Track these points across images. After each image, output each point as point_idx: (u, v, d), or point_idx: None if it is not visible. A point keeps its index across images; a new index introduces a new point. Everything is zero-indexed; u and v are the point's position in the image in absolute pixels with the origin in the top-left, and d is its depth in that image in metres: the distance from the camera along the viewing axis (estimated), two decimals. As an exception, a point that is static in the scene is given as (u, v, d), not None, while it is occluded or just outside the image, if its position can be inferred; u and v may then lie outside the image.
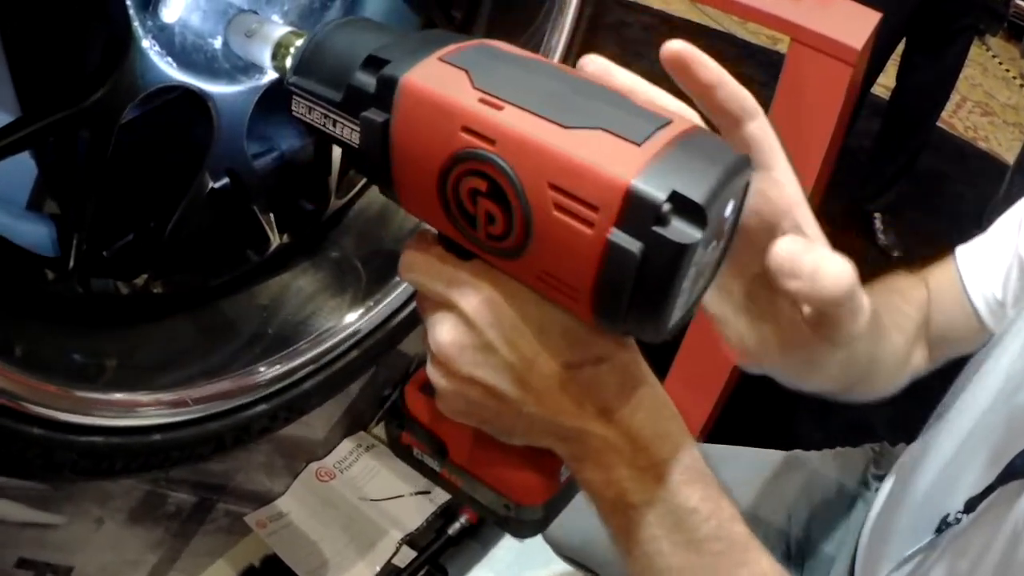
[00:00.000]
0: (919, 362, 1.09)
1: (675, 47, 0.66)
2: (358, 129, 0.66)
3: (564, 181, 0.56)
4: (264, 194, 1.18)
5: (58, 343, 1.00)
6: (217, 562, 1.77)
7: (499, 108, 0.58)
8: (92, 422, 0.93)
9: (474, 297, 0.63)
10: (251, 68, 1.07)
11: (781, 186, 0.69)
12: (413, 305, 1.19)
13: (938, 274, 1.14)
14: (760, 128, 0.68)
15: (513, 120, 0.58)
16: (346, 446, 1.98)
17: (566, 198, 0.56)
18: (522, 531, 0.76)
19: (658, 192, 0.54)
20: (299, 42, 0.85)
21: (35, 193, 1.09)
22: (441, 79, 0.61)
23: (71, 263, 1.00)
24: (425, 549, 1.89)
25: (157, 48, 0.98)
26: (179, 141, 1.12)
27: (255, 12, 1.04)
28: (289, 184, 1.27)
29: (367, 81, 0.65)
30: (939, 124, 4.49)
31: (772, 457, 1.39)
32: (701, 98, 0.67)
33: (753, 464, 1.39)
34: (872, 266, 3.35)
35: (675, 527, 0.66)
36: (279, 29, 0.89)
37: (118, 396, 0.97)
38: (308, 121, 0.71)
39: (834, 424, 2.48)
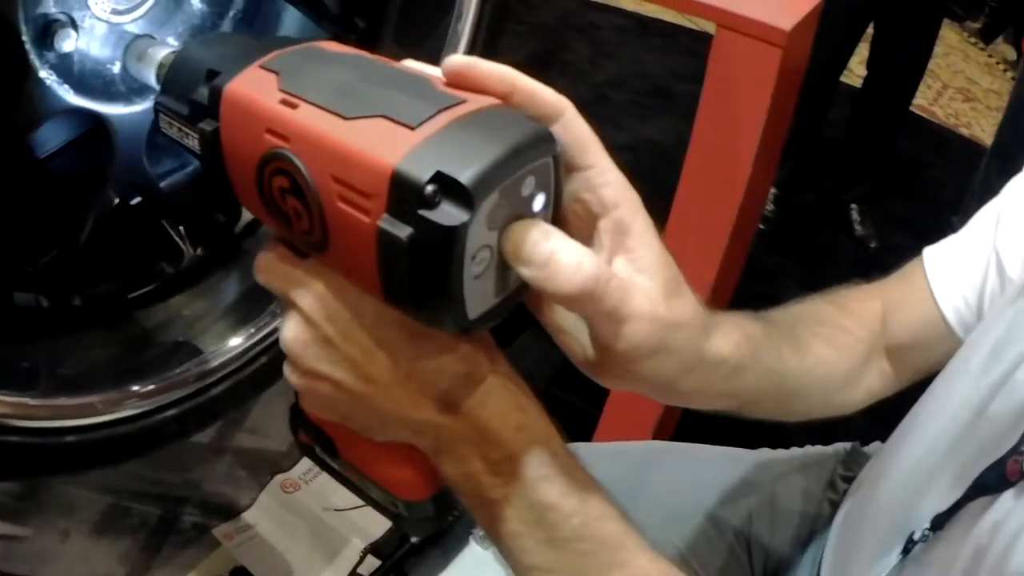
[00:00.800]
0: (879, 380, 1.05)
1: (452, 64, 0.64)
2: (195, 136, 0.68)
3: (342, 172, 0.57)
4: (174, 208, 1.23)
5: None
6: (188, 574, 1.81)
7: (294, 107, 0.60)
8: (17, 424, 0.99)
9: (309, 294, 0.64)
10: (147, 90, 1.12)
11: (596, 187, 0.65)
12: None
13: (900, 282, 1.07)
14: (565, 126, 0.65)
15: (303, 117, 0.59)
16: (310, 458, 2.00)
17: (346, 189, 0.56)
18: (415, 528, 0.77)
19: (421, 174, 0.53)
20: (168, 58, 0.86)
21: None
22: (254, 84, 0.63)
23: None
24: (389, 557, 1.93)
25: (55, 77, 1.04)
26: (84, 161, 1.17)
27: (151, 36, 1.09)
28: (201, 198, 1.31)
29: (202, 93, 0.67)
30: (919, 112, 4.46)
31: (736, 455, 1.34)
32: None
33: (716, 462, 1.33)
34: (848, 259, 3.38)
35: (535, 524, 0.66)
36: (164, 50, 0.92)
37: (36, 401, 1.02)
38: (171, 136, 0.73)
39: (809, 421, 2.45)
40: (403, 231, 0.53)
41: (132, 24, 1.11)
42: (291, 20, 1.34)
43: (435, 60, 1.13)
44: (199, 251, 1.28)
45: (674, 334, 0.68)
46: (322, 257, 0.63)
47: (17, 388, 1.00)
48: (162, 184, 1.23)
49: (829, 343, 0.98)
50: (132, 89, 1.12)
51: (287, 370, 0.68)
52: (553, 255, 0.58)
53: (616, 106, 3.96)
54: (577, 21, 4.82)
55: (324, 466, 0.77)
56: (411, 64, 0.66)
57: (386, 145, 0.55)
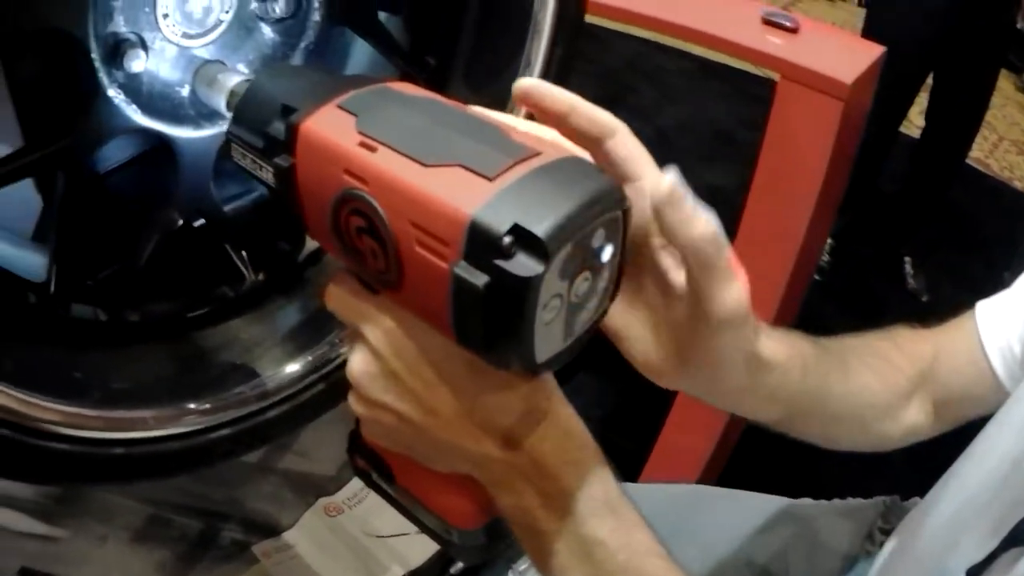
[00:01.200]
0: (921, 418, 1.06)
1: (522, 85, 0.71)
2: (271, 170, 0.71)
3: (420, 218, 0.59)
4: (237, 233, 1.25)
5: (46, 361, 1.07)
6: (225, 589, 1.82)
7: (373, 150, 0.62)
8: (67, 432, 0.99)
9: (378, 328, 0.67)
10: (215, 115, 1.13)
11: (647, 195, 0.70)
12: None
13: (953, 329, 1.09)
14: (620, 143, 0.72)
15: (383, 161, 0.61)
16: (357, 483, 2.00)
17: (424, 234, 0.59)
18: (465, 556, 0.79)
19: (499, 225, 0.55)
20: (240, 87, 0.89)
21: (40, 224, 1.17)
22: (332, 124, 0.66)
23: (51, 289, 1.08)
24: (427, 586, 1.91)
25: (123, 96, 1.05)
26: (149, 180, 1.19)
27: (221, 62, 1.10)
28: (266, 225, 1.33)
29: (279, 128, 0.69)
30: (974, 164, 4.43)
31: (777, 503, 1.36)
32: (560, 129, 0.72)
33: (757, 508, 1.35)
34: (901, 311, 3.37)
35: (584, 558, 0.68)
36: (234, 77, 0.94)
37: (88, 411, 1.02)
38: (244, 167, 0.75)
39: (853, 471, 2.45)
40: (479, 279, 0.55)
41: (202, 49, 1.12)
42: (360, 54, 1.34)
43: (502, 104, 1.15)
44: (260, 277, 1.29)
45: (750, 315, 0.74)
46: (393, 294, 0.65)
47: (70, 397, 1.00)
48: (226, 208, 1.24)
49: (876, 373, 1.00)
50: (200, 113, 1.13)
51: (352, 399, 0.72)
52: (695, 208, 0.66)
53: (679, 151, 3.97)
54: (644, 64, 4.84)
55: (379, 491, 0.80)
56: (480, 111, 0.69)
57: (464, 194, 0.57)
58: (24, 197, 1.12)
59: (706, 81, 4.82)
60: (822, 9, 6.93)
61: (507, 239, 0.55)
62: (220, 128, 1.15)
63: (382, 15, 1.32)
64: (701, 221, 0.67)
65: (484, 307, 0.56)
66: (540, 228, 0.55)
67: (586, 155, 0.70)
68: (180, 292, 1.25)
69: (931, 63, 3.41)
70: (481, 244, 0.56)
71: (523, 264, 0.55)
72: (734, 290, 0.71)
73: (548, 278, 0.56)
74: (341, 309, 0.71)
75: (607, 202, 0.60)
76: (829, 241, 3.54)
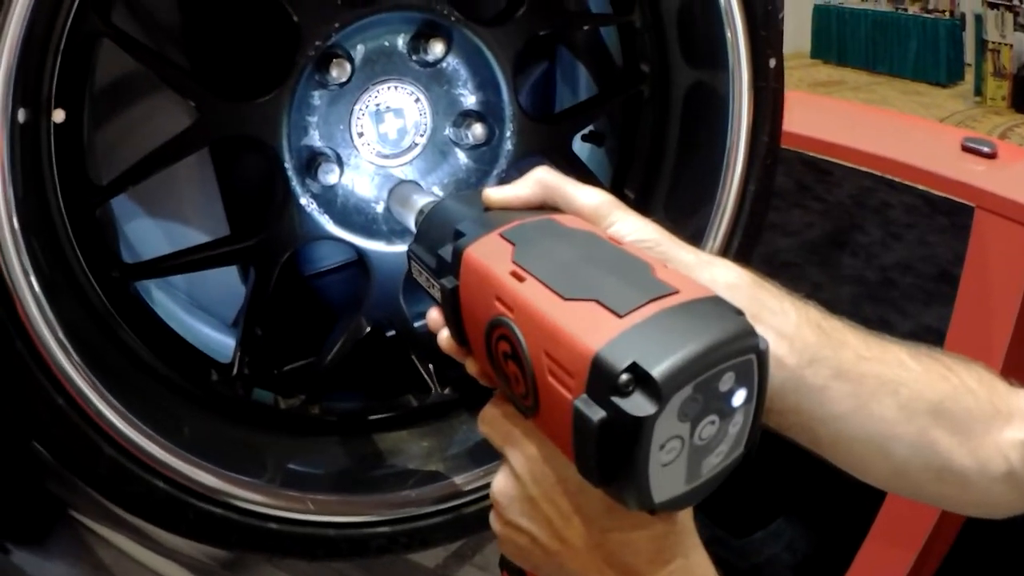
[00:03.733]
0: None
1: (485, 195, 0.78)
2: (439, 288, 0.75)
3: (553, 348, 0.60)
4: (426, 347, 1.25)
5: (219, 434, 1.12)
6: None
7: (522, 280, 0.64)
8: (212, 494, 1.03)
9: (522, 454, 0.70)
10: (407, 232, 1.14)
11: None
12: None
13: None
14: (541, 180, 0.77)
15: (527, 291, 0.63)
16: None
17: (555, 364, 0.60)
18: None
19: (618, 362, 0.55)
20: (427, 208, 0.90)
21: (227, 304, 1.25)
22: (491, 252, 0.69)
23: (234, 371, 1.14)
24: None
25: (315, 206, 1.10)
26: (341, 287, 1.25)
27: (416, 183, 1.13)
28: None
29: (448, 251, 0.73)
30: None
31: None
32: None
33: None
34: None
35: None
36: (425, 199, 0.95)
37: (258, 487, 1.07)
38: (420, 284, 0.80)
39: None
40: (595, 413, 0.56)
41: (398, 169, 1.16)
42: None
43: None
44: (446, 391, 1.30)
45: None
46: (534, 420, 0.67)
47: (243, 471, 1.05)
48: (417, 324, 1.25)
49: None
50: (393, 230, 1.17)
51: (492, 517, 0.75)
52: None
53: (901, 291, 3.87)
54: (871, 200, 4.75)
55: None
56: (637, 248, 0.70)
57: (593, 329, 0.58)
58: (229, 283, 1.21)
59: (930, 217, 4.68)
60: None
61: (624, 377, 0.55)
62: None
63: (586, 145, 1.37)
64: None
65: (599, 442, 0.56)
66: (657, 368, 0.54)
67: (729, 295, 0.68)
68: (365, 394, 1.28)
69: None
70: (601, 380, 0.56)
71: (638, 403, 0.55)
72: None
73: (663, 419, 0.55)
74: (492, 430, 0.74)
75: (738, 346, 0.58)
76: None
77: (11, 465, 1.32)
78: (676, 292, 0.59)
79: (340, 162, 1.11)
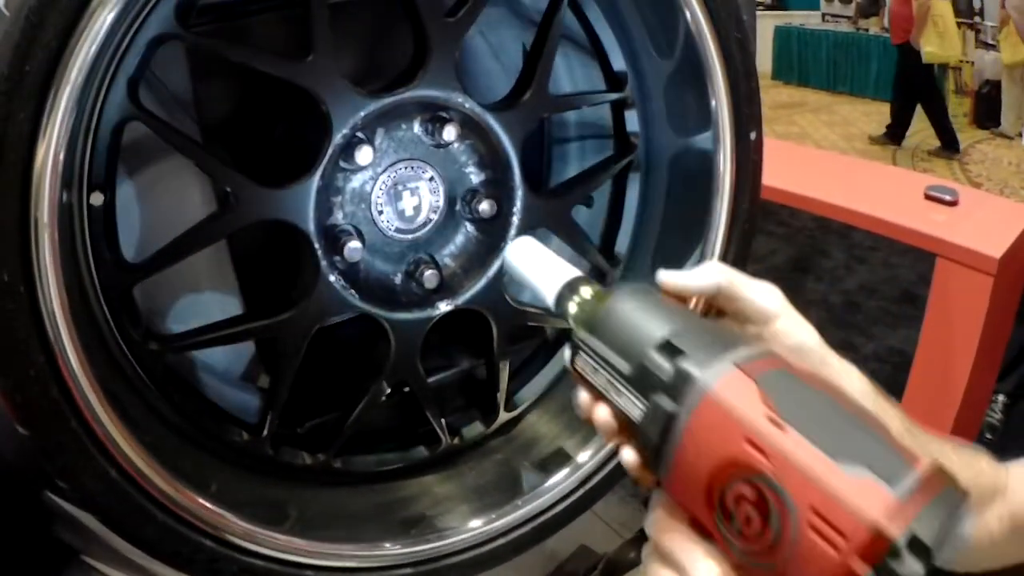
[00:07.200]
0: None
1: (661, 279, 0.83)
2: (642, 407, 0.70)
3: (825, 508, 0.59)
4: (438, 402, 1.31)
5: (245, 487, 1.15)
6: None
7: (783, 430, 0.62)
8: (253, 548, 1.07)
9: (706, 571, 0.66)
10: (425, 301, 1.21)
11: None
12: (557, 510, 1.29)
13: None
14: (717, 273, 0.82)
15: (792, 444, 0.62)
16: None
17: (822, 521, 0.59)
18: None
19: (900, 533, 0.57)
20: (586, 292, 0.82)
21: (250, 367, 1.29)
22: (737, 390, 0.65)
23: (265, 431, 1.17)
24: None
25: (342, 282, 1.14)
26: (363, 353, 1.27)
27: (533, 239, 0.97)
28: (464, 396, 1.42)
29: (662, 366, 0.68)
30: None
31: None
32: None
33: None
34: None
35: None
36: (569, 271, 0.85)
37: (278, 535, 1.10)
38: (586, 378, 0.75)
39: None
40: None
41: (412, 241, 1.20)
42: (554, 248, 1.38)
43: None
44: (456, 440, 1.36)
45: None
46: (749, 558, 0.64)
47: (267, 522, 1.08)
48: (430, 380, 1.30)
49: None
50: (412, 300, 1.21)
51: None
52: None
53: (866, 314, 3.87)
54: (834, 224, 4.75)
55: None
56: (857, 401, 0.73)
57: (873, 501, 0.58)
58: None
59: (893, 239, 4.70)
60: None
61: (901, 541, 0.57)
62: (429, 312, 1.22)
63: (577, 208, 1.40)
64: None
65: None
66: (933, 540, 0.57)
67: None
68: (380, 447, 1.33)
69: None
70: (880, 546, 0.57)
71: (910, 566, 0.56)
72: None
73: None
74: (666, 539, 0.70)
75: (965, 515, 0.61)
76: (1002, 398, 3.37)
77: (21, 515, 1.33)
78: (919, 461, 0.61)
79: (362, 238, 1.15)
